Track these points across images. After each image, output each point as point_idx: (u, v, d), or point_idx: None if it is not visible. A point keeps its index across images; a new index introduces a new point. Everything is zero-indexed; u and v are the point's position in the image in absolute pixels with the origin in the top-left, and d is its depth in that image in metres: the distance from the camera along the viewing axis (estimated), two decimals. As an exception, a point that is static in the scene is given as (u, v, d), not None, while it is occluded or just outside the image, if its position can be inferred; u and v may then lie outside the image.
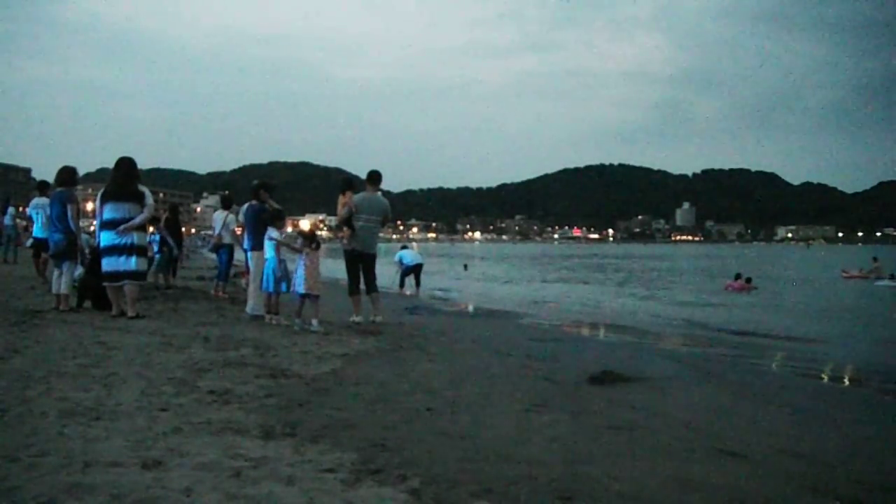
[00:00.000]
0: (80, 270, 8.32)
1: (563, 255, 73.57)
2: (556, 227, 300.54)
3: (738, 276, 22.07)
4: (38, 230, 12.04)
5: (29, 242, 13.66)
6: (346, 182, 9.13)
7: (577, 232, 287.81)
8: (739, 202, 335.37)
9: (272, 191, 8.77)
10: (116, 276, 7.53)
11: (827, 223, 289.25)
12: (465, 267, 33.73)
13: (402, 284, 16.86)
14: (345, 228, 8.68)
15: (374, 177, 8.87)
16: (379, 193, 8.98)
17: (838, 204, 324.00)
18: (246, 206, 9.13)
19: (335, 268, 13.59)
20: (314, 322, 7.66)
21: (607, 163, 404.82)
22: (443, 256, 55.99)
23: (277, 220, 8.16)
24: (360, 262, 8.74)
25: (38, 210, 11.84)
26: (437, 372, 5.69)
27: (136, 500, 2.60)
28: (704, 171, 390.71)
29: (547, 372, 6.06)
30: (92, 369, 4.87)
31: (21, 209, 26.73)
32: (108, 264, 7.54)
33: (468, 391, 4.99)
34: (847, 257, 56.81)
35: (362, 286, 8.78)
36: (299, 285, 7.79)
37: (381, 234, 9.36)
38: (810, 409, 5.45)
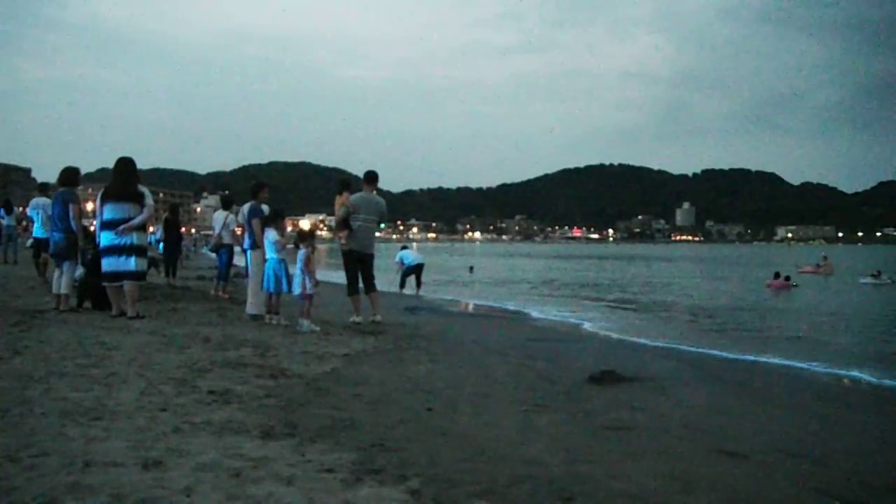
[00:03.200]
0: (80, 270, 8.32)
1: (572, 255, 73.38)
2: (556, 227, 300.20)
3: (777, 275, 23.50)
4: (38, 230, 12.05)
5: (29, 242, 13.67)
6: (343, 183, 9.13)
7: (577, 232, 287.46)
8: (739, 202, 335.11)
9: (256, 194, 8.70)
10: (116, 276, 7.53)
11: (827, 223, 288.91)
12: (471, 269, 33.57)
13: (402, 284, 16.86)
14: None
15: (371, 177, 8.90)
16: (375, 193, 9.00)
17: (838, 204, 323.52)
18: (246, 206, 9.13)
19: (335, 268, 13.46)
20: (305, 322, 7.63)
21: (607, 163, 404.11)
22: (444, 256, 55.98)
23: (273, 221, 8.15)
24: (359, 263, 8.75)
25: (38, 210, 11.85)
26: (437, 372, 5.70)
27: (136, 500, 2.60)
28: (704, 171, 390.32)
29: (547, 372, 6.06)
30: (92, 369, 4.86)
31: (21, 209, 26.73)
32: (107, 264, 7.54)
33: (468, 391, 4.99)
34: (844, 255, 56.78)
35: (361, 286, 8.79)
36: (297, 286, 7.73)
37: (380, 235, 9.36)
38: (810, 409, 5.46)
